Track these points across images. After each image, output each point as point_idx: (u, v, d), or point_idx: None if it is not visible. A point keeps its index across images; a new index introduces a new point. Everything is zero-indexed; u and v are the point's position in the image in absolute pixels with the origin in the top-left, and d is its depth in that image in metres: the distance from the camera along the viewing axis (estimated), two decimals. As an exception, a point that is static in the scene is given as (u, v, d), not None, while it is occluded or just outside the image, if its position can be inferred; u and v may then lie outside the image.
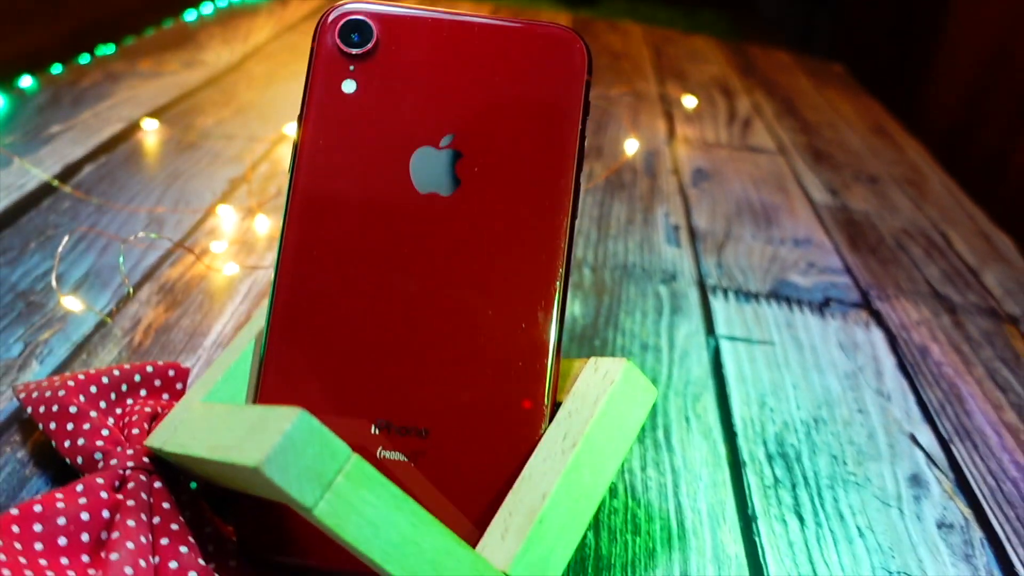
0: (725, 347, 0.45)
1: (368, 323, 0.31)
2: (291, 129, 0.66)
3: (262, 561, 0.29)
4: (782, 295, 0.51)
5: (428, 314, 0.31)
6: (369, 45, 0.32)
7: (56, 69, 0.76)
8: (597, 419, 0.29)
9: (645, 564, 0.31)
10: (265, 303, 0.32)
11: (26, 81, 0.72)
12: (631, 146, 0.68)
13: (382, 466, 0.30)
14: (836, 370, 0.44)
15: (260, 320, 0.32)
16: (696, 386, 0.42)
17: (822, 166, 0.75)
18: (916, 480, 0.37)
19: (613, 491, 0.35)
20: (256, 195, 0.56)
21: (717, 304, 0.49)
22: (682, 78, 0.96)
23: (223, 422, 0.27)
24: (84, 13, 0.82)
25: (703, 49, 1.12)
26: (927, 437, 0.40)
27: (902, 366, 0.45)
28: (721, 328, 0.47)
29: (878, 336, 0.48)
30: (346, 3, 0.33)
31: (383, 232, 0.31)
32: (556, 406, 0.31)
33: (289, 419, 0.24)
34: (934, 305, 0.53)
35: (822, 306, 0.51)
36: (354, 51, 0.32)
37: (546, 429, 0.30)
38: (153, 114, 0.68)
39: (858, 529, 0.34)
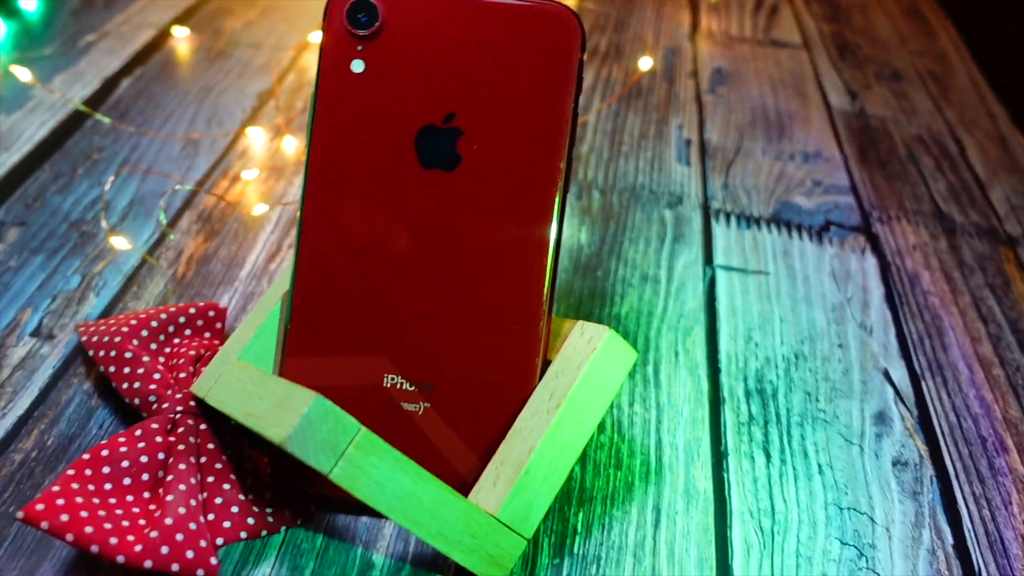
0: (720, 278, 0.48)
1: (380, 288, 0.34)
2: (315, 37, 0.67)
3: (292, 492, 0.35)
4: (783, 219, 0.54)
5: (433, 280, 0.34)
6: (375, 25, 0.34)
7: (87, -37, 0.77)
8: (580, 382, 0.33)
9: (623, 497, 0.36)
10: (290, 250, 0.35)
11: (59, -20, 0.73)
12: (645, 63, 0.69)
13: (390, 416, 0.34)
14: (824, 302, 0.47)
15: (286, 278, 0.36)
16: (688, 319, 0.45)
17: (846, 62, 0.75)
18: (881, 417, 0.41)
19: (602, 427, 0.39)
20: (283, 111, 0.59)
21: (718, 230, 0.52)
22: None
23: (255, 390, 0.31)
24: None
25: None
26: (900, 372, 0.43)
27: (889, 297, 0.48)
28: (719, 257, 0.50)
29: (871, 264, 0.51)
30: (355, -17, 0.34)
31: (391, 205, 0.34)
32: (546, 364, 0.35)
33: (307, 401, 0.28)
34: (934, 226, 0.55)
35: (821, 231, 0.53)
36: (361, 32, 0.34)
37: (537, 385, 0.34)
38: (182, 18, 0.69)
39: (819, 466, 0.38)
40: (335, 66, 0.34)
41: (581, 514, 0.35)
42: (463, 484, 0.34)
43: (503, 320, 0.34)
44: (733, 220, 0.53)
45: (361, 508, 0.35)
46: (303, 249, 0.34)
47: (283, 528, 0.34)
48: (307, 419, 0.28)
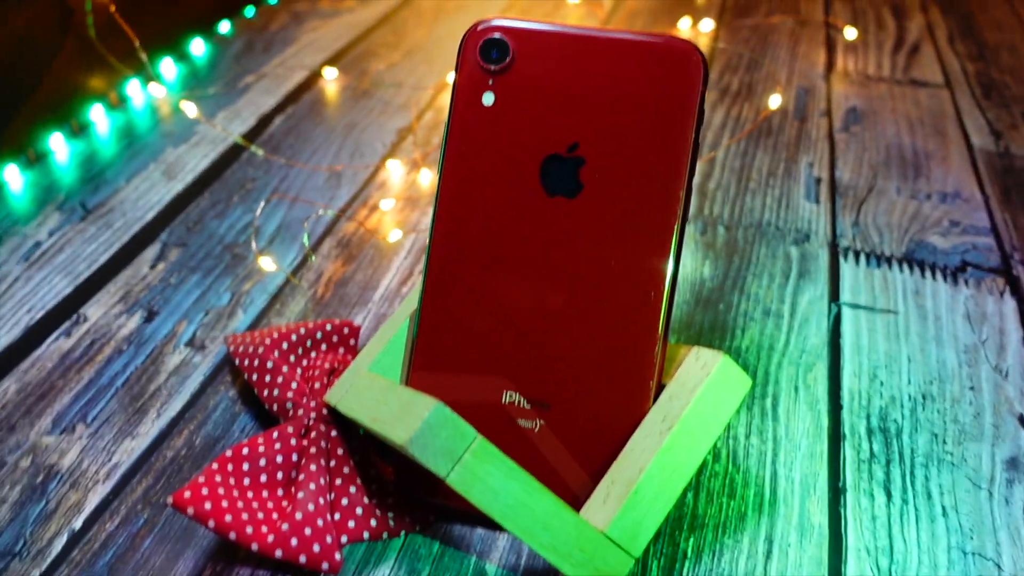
0: (846, 315, 0.48)
1: (503, 308, 0.36)
2: (452, 77, 0.70)
3: (414, 499, 0.36)
4: (916, 259, 0.52)
5: (554, 303, 0.36)
6: (506, 61, 0.36)
7: (249, 12, 0.84)
8: (693, 406, 0.33)
9: (735, 526, 0.36)
10: (420, 274, 0.37)
11: (224, 27, 0.80)
12: (775, 101, 0.69)
13: (508, 432, 0.35)
14: (956, 343, 0.46)
15: (415, 297, 0.38)
16: (811, 355, 0.45)
17: (990, 101, 0.73)
18: (1014, 463, 0.39)
19: (716, 455, 0.39)
20: (420, 146, 0.62)
21: (846, 268, 0.51)
22: (854, -4, 0.93)
23: (382, 397, 0.33)
24: (273, -45, 0.88)
25: (884, -43, 1.07)
26: (1037, 417, 0.42)
27: (1028, 340, 0.46)
28: (846, 294, 0.49)
29: (1010, 307, 0.49)
30: (487, 21, 0.37)
31: (516, 230, 0.36)
32: (660, 388, 0.35)
33: (428, 408, 0.30)
34: (1082, 270, 0.52)
35: (957, 271, 0.51)
36: (492, 67, 0.36)
37: (650, 408, 0.35)
38: (332, 60, 0.74)
39: (943, 508, 0.37)
40: (467, 99, 0.36)
41: (692, 540, 0.36)
42: (575, 501, 0.34)
43: (619, 343, 0.35)
44: (863, 258, 0.52)
45: (477, 519, 0.36)
46: (432, 268, 0.37)
47: (403, 533, 0.35)
48: (428, 424, 0.29)
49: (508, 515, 0.31)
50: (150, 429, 0.40)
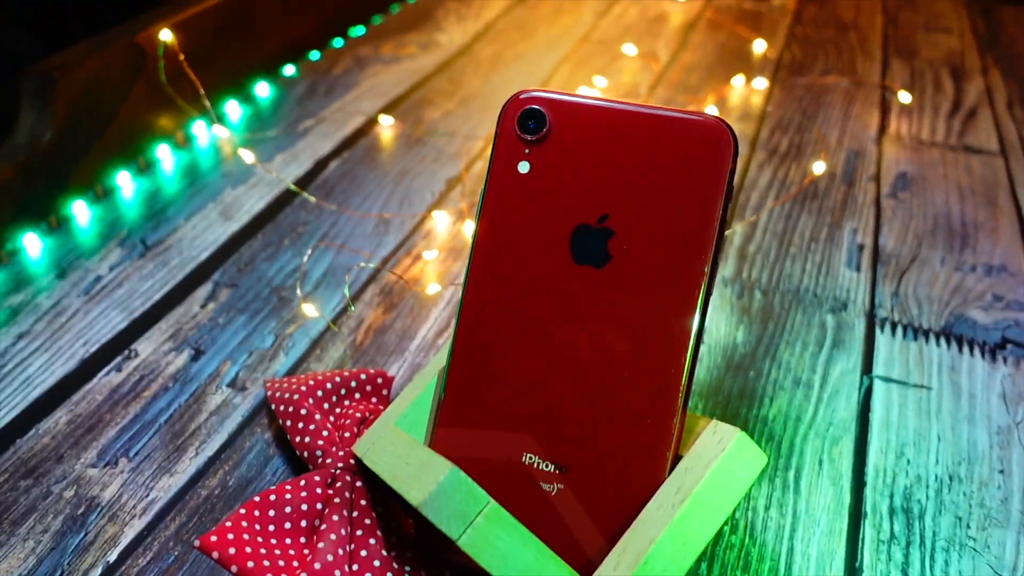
0: (878, 388, 0.47)
1: (528, 371, 0.37)
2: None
3: (431, 554, 0.37)
4: (955, 333, 0.52)
5: (577, 369, 0.37)
6: (543, 132, 0.37)
7: (314, 56, 0.87)
8: (706, 480, 0.34)
9: (747, 601, 0.36)
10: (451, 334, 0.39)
11: (289, 70, 0.83)
12: (819, 167, 0.69)
13: (525, 492, 0.36)
14: (990, 423, 0.45)
15: (443, 357, 0.40)
16: (838, 428, 0.45)
17: (1048, 172, 0.72)
18: (1039, 552, 0.39)
19: (734, 527, 0.40)
20: (468, 197, 0.64)
21: (882, 340, 0.51)
22: (911, 55, 0.92)
23: (403, 455, 0.34)
24: None
25: (945, 14, 1.06)
26: (1068, 506, 0.41)
27: (1065, 424, 0.46)
28: (879, 367, 0.49)
29: (1049, 387, 0.48)
30: (528, 92, 0.38)
31: (544, 296, 0.37)
32: (678, 459, 0.36)
33: (444, 471, 0.31)
34: None
35: (996, 348, 0.51)
36: (529, 137, 0.38)
37: (665, 479, 0.35)
38: (390, 106, 0.77)
39: (961, 595, 0.37)
40: (504, 166, 0.38)
41: (703, 612, 0.36)
42: (589, 565, 0.35)
43: (639, 412, 0.36)
44: (899, 330, 0.52)
45: (491, 577, 0.37)
46: (461, 329, 0.38)
47: (418, 586, 0.36)
48: (442, 487, 0.30)
49: (517, 579, 0.32)
50: (188, 467, 0.42)
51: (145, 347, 0.49)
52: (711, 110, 0.77)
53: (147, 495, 0.41)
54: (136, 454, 0.43)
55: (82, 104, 0.62)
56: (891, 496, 0.41)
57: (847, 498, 0.41)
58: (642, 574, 0.33)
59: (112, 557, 0.38)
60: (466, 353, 0.38)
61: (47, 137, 0.59)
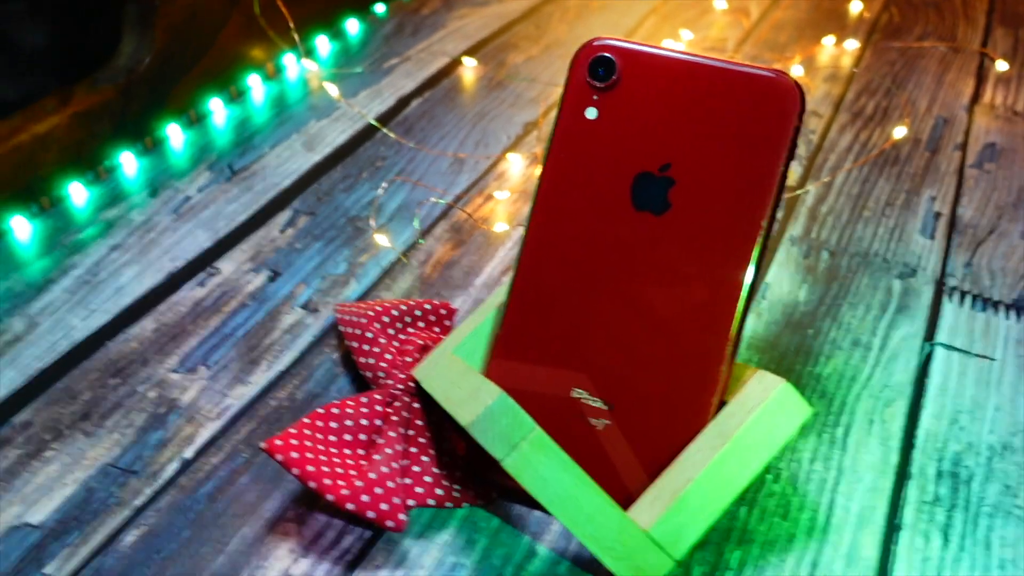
0: (939, 355, 0.47)
1: (583, 309, 0.38)
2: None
3: (479, 475, 0.39)
4: (1026, 307, 0.51)
5: (630, 310, 0.38)
6: (612, 79, 0.38)
7: (405, -5, 0.88)
8: (747, 425, 0.35)
9: (782, 547, 0.37)
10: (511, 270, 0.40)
11: (379, 7, 0.85)
12: (899, 132, 0.67)
13: (572, 425, 0.38)
14: (1050, 398, 0.45)
15: (503, 292, 0.41)
16: (892, 391, 0.45)
17: None
18: (1084, 527, 0.39)
19: (777, 476, 0.40)
20: (543, 141, 0.65)
21: (948, 309, 0.51)
22: (1018, 23, 0.89)
23: (458, 380, 0.36)
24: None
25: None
26: (1122, 485, 0.41)
27: None
28: (942, 335, 0.49)
29: (1118, 368, 0.47)
30: (601, 39, 0.39)
31: (603, 238, 0.38)
32: (722, 405, 0.37)
33: (492, 396, 0.32)
34: None
35: (1068, 324, 0.50)
36: (598, 84, 0.38)
37: (708, 423, 0.36)
38: (473, 49, 0.78)
39: (1000, 561, 0.37)
40: (572, 111, 0.39)
41: (738, 553, 0.37)
42: (629, 499, 0.36)
43: (688, 357, 0.37)
44: (968, 300, 0.51)
45: (535, 503, 0.39)
46: (522, 266, 0.39)
47: (465, 505, 0.38)
48: (490, 410, 0.32)
49: (556, 503, 0.33)
50: (260, 379, 0.45)
51: (227, 266, 0.52)
52: (797, 69, 0.76)
53: (222, 401, 0.43)
54: (214, 363, 0.46)
55: (180, 32, 0.64)
56: (939, 460, 0.41)
57: (894, 458, 0.41)
58: (678, 510, 0.34)
59: (188, 454, 0.41)
60: (525, 289, 0.39)
61: (146, 62, 0.62)
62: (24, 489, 0.39)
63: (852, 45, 0.80)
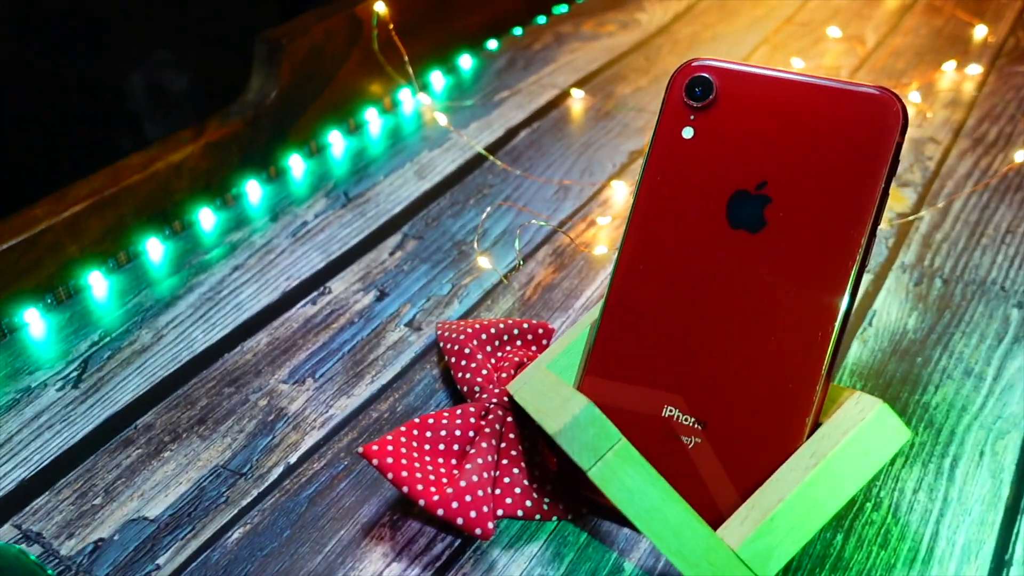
0: (1059, 388, 0.45)
1: (676, 327, 0.38)
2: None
3: (570, 490, 0.40)
4: None
5: (725, 328, 0.38)
6: (709, 98, 0.38)
7: (517, 31, 0.91)
8: (842, 446, 0.34)
9: (879, 576, 0.36)
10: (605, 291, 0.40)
11: (492, 44, 0.88)
12: (1020, 155, 0.64)
13: (663, 443, 0.38)
14: None
15: (597, 309, 0.42)
16: (1007, 423, 0.43)
17: None
18: None
19: (877, 504, 0.39)
20: (648, 169, 0.65)
21: (1072, 339, 0.48)
22: None
23: (548, 391, 0.37)
24: (545, -20, 0.95)
25: None
26: None
27: None
28: (1064, 366, 0.46)
29: None
30: (699, 60, 0.39)
31: (697, 257, 0.38)
32: (817, 427, 0.36)
33: (580, 405, 0.33)
34: None
35: None
36: (695, 104, 0.39)
37: (802, 444, 0.35)
38: (582, 81, 0.79)
39: (1121, 603, 0.35)
40: (669, 131, 0.39)
41: (832, 581, 0.36)
42: (720, 519, 0.36)
43: (782, 376, 0.36)
44: (1095, 331, 0.49)
45: (624, 520, 0.39)
46: (615, 282, 0.40)
47: (555, 518, 0.39)
48: (577, 420, 0.33)
49: (642, 516, 0.33)
50: (363, 391, 0.47)
51: (338, 286, 0.55)
52: (914, 96, 0.74)
53: (327, 411, 0.45)
54: (321, 376, 0.48)
55: (304, 68, 0.68)
56: (1056, 496, 0.39)
57: (1006, 491, 0.39)
58: (767, 530, 0.34)
59: (292, 459, 0.43)
60: (618, 306, 0.39)
61: (272, 96, 0.66)
62: (143, 486, 0.41)
63: (975, 70, 0.77)
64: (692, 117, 0.39)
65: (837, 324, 0.36)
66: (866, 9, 0.93)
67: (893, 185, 0.62)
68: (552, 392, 0.37)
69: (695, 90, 0.39)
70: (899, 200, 0.61)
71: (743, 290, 0.37)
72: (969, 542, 0.37)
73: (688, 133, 0.39)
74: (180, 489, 0.41)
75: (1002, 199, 0.60)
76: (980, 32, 0.85)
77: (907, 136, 0.68)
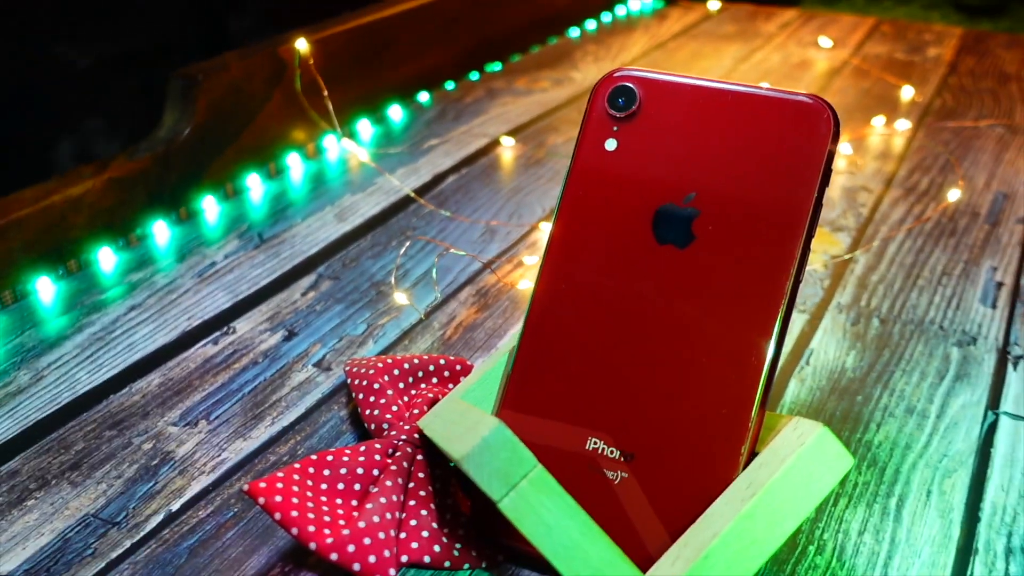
0: (1004, 424, 0.42)
1: (599, 352, 0.35)
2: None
3: (485, 536, 0.36)
4: (1104, 377, 0.46)
5: (652, 352, 0.34)
6: (632, 108, 0.36)
7: (449, 86, 0.90)
8: (780, 475, 0.31)
9: (825, 623, 0.32)
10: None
11: (423, 96, 0.86)
12: (953, 195, 0.64)
13: (586, 478, 0.34)
14: None
15: (516, 337, 0.38)
16: (952, 461, 0.40)
17: None
18: None
19: (820, 547, 0.36)
20: (578, 213, 0.63)
21: (1014, 377, 0.46)
22: (1082, 109, 0.85)
23: (457, 419, 0.33)
24: (477, 35, 0.94)
25: None
26: None
27: None
28: (1008, 404, 0.44)
29: None
30: (620, 70, 0.37)
31: (621, 275, 0.35)
32: (753, 456, 0.33)
33: (489, 427, 0.29)
34: None
35: None
36: (618, 114, 0.36)
37: (738, 475, 0.32)
38: (514, 131, 0.77)
39: (1086, 648, 0.31)
40: (591, 143, 0.37)
41: (774, 631, 0.32)
42: (649, 560, 0.32)
43: (714, 403, 0.33)
44: (1037, 369, 0.47)
45: (546, 567, 0.35)
46: (534, 308, 0.37)
47: (466, 566, 0.35)
48: (486, 443, 0.29)
49: (560, 555, 0.30)
50: (262, 434, 0.42)
51: (243, 326, 0.51)
52: (845, 148, 0.73)
53: (219, 455, 0.41)
54: (216, 418, 0.43)
55: (221, 107, 0.65)
56: (1009, 535, 0.36)
57: (956, 532, 0.36)
58: (702, 570, 0.30)
59: (175, 506, 0.38)
60: (537, 331, 0.36)
61: (185, 133, 0.63)
62: (-1, 537, 0.36)
63: (904, 125, 0.78)
64: (615, 128, 0.36)
65: (772, 344, 0.33)
66: (796, 72, 0.94)
67: (827, 228, 0.61)
68: (461, 418, 0.33)
69: (618, 100, 0.36)
70: (833, 243, 0.59)
71: (671, 310, 0.34)
72: (920, 586, 0.34)
73: (611, 145, 0.36)
74: (41, 541, 0.36)
75: (936, 243, 0.59)
76: (907, 93, 0.86)
77: (839, 184, 0.67)
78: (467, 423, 0.32)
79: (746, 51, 1.00)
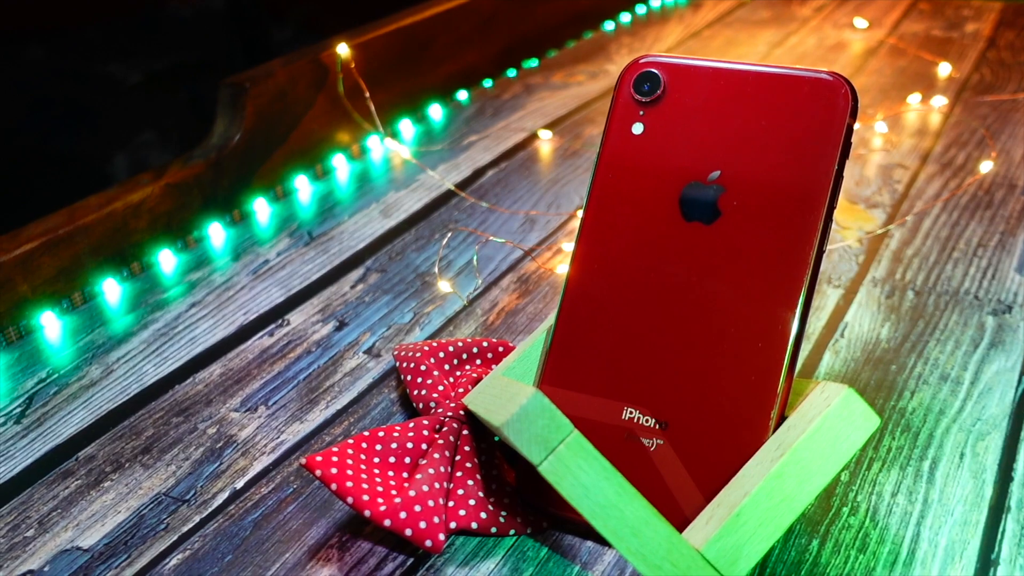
0: (1040, 389, 0.43)
1: (633, 326, 0.37)
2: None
3: (529, 505, 0.37)
4: None
5: (682, 325, 0.36)
6: (657, 93, 0.38)
7: (487, 83, 0.92)
8: (808, 436, 0.32)
9: (858, 579, 0.34)
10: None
11: (462, 95, 0.88)
12: (985, 167, 0.64)
13: (624, 444, 0.36)
14: None
15: (554, 315, 0.40)
16: (986, 425, 0.41)
17: None
18: None
19: (854, 509, 0.37)
20: (615, 201, 0.64)
21: (1050, 343, 0.47)
22: None
23: (499, 392, 0.35)
24: (513, 32, 0.96)
25: None
26: None
27: None
28: (1043, 369, 0.45)
29: None
30: (645, 57, 0.39)
31: (651, 253, 0.37)
32: (783, 420, 0.34)
33: (527, 395, 0.31)
34: None
35: None
36: (644, 99, 0.38)
37: (768, 438, 0.34)
38: (551, 125, 0.79)
39: (1117, 597, 0.32)
40: (618, 128, 0.38)
41: (808, 587, 0.34)
42: (686, 521, 0.34)
43: (744, 370, 0.35)
44: (1073, 335, 0.47)
45: (588, 532, 0.37)
46: (570, 286, 0.38)
47: (512, 532, 0.36)
48: (524, 410, 0.31)
49: (598, 514, 0.31)
50: (317, 417, 0.45)
51: (296, 318, 0.53)
52: (880, 126, 0.74)
53: (278, 437, 0.43)
54: (274, 403, 0.46)
55: (268, 112, 0.68)
56: (1042, 493, 0.37)
57: (988, 491, 0.37)
58: (734, 527, 0.31)
59: (239, 484, 0.40)
60: (573, 309, 0.38)
61: (236, 139, 0.66)
62: (79, 516, 0.39)
63: (940, 102, 0.78)
64: (641, 113, 0.38)
65: (798, 311, 0.34)
66: (831, 54, 0.94)
67: (861, 205, 0.61)
68: (502, 391, 0.35)
69: (643, 86, 0.38)
70: (868, 220, 0.60)
71: (700, 284, 0.36)
72: (952, 543, 0.35)
73: (638, 129, 0.38)
74: (118, 518, 0.39)
75: (972, 216, 0.60)
76: (944, 70, 0.86)
77: (875, 162, 0.68)
78: (508, 394, 0.34)
79: (781, 36, 1.01)
